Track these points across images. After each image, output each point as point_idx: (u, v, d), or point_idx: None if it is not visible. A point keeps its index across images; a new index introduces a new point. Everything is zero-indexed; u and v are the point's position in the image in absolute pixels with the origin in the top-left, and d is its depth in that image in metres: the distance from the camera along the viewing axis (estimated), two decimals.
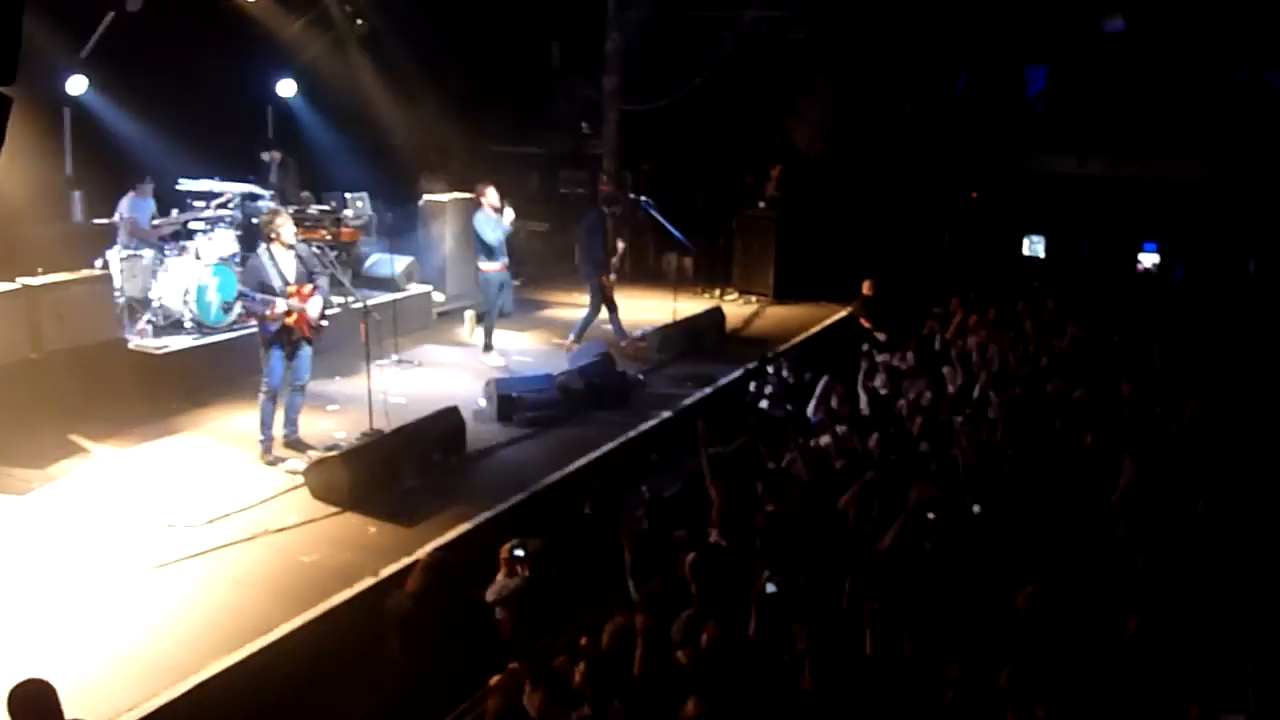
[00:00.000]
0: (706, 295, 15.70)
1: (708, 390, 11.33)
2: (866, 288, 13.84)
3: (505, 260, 11.78)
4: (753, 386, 10.41)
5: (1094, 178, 16.15)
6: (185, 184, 12.15)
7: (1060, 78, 16.80)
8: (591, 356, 11.27)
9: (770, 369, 11.12)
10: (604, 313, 12.32)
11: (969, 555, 5.66)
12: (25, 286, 9.34)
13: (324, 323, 8.91)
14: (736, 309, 15.17)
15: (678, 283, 14.51)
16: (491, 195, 11.52)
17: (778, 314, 15.01)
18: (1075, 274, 15.86)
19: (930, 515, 5.89)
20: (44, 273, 9.64)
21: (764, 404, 10.24)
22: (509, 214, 11.57)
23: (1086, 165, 16.25)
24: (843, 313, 14.69)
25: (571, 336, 12.37)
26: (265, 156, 13.54)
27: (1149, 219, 15.97)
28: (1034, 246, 16.71)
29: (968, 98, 17.07)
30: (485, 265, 11.71)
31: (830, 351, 11.15)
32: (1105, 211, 16.22)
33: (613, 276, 12.34)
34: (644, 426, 10.09)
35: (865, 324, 13.46)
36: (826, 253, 15.64)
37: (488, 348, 11.91)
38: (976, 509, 6.12)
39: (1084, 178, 16.28)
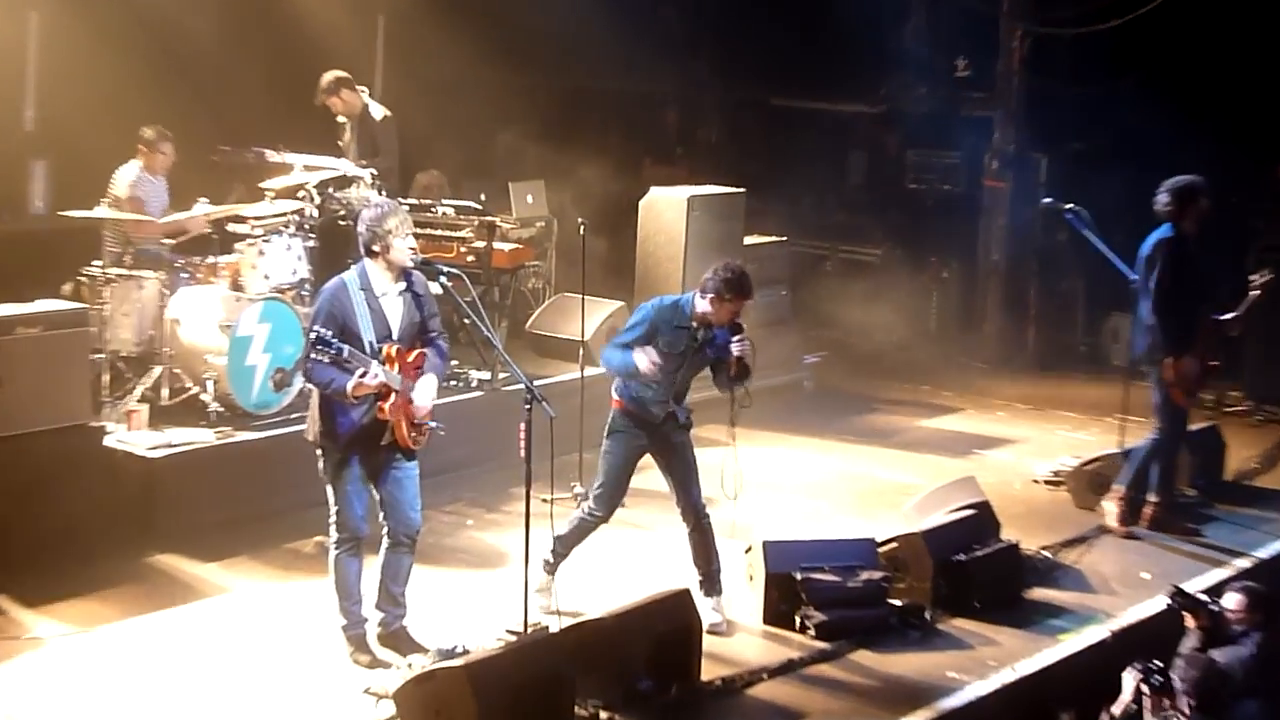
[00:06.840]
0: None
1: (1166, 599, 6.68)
2: None
3: None
4: None
5: None
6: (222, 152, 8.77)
7: None
8: (957, 509, 7.02)
9: None
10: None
11: None
12: None
13: (434, 423, 5.78)
14: (1243, 432, 9.81)
15: (1130, 370, 8.92)
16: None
17: None
18: None
19: None
20: None
21: None
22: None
23: None
24: None
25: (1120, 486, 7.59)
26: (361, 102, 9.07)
27: None
28: None
29: None
30: None
31: None
32: None
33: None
34: (1043, 659, 6.44)
35: None
36: None
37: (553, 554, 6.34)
38: None
39: None
